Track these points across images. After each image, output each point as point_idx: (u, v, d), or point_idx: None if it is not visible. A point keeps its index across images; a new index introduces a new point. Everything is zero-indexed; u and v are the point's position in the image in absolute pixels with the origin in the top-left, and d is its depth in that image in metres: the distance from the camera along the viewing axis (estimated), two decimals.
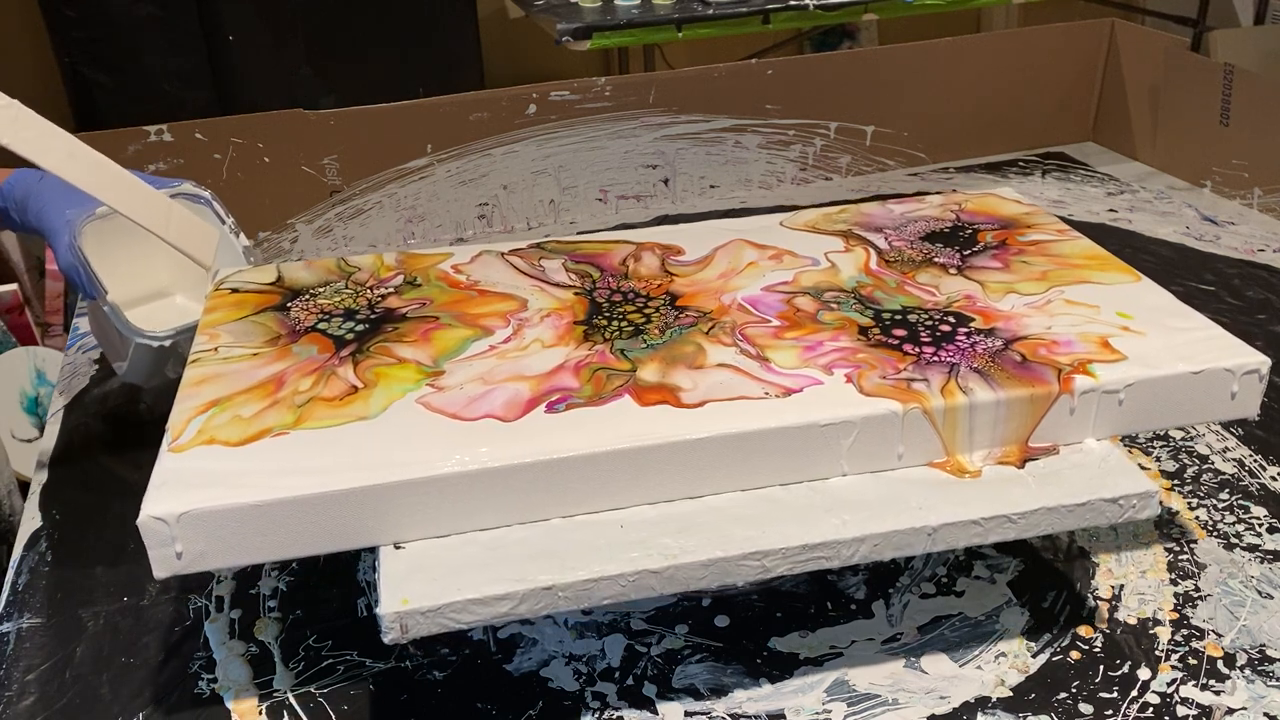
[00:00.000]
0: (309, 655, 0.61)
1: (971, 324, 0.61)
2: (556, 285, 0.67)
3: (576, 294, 0.65)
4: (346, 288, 0.66)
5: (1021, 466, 0.56)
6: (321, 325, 0.62)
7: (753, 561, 0.51)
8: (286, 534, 0.50)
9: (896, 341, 0.60)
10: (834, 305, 0.64)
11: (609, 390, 0.56)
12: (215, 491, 0.50)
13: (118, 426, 0.83)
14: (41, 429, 1.13)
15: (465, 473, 0.51)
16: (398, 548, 0.52)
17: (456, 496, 0.51)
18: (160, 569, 0.50)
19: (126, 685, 0.59)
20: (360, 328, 0.62)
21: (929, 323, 0.62)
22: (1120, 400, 0.57)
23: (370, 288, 0.66)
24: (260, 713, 0.57)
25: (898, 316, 0.62)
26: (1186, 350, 0.58)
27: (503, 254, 0.71)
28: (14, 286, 1.55)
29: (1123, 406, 0.57)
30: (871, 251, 0.70)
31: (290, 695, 0.58)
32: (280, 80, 1.72)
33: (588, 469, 0.52)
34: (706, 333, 0.61)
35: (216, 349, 0.60)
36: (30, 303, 1.59)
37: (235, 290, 0.67)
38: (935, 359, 0.58)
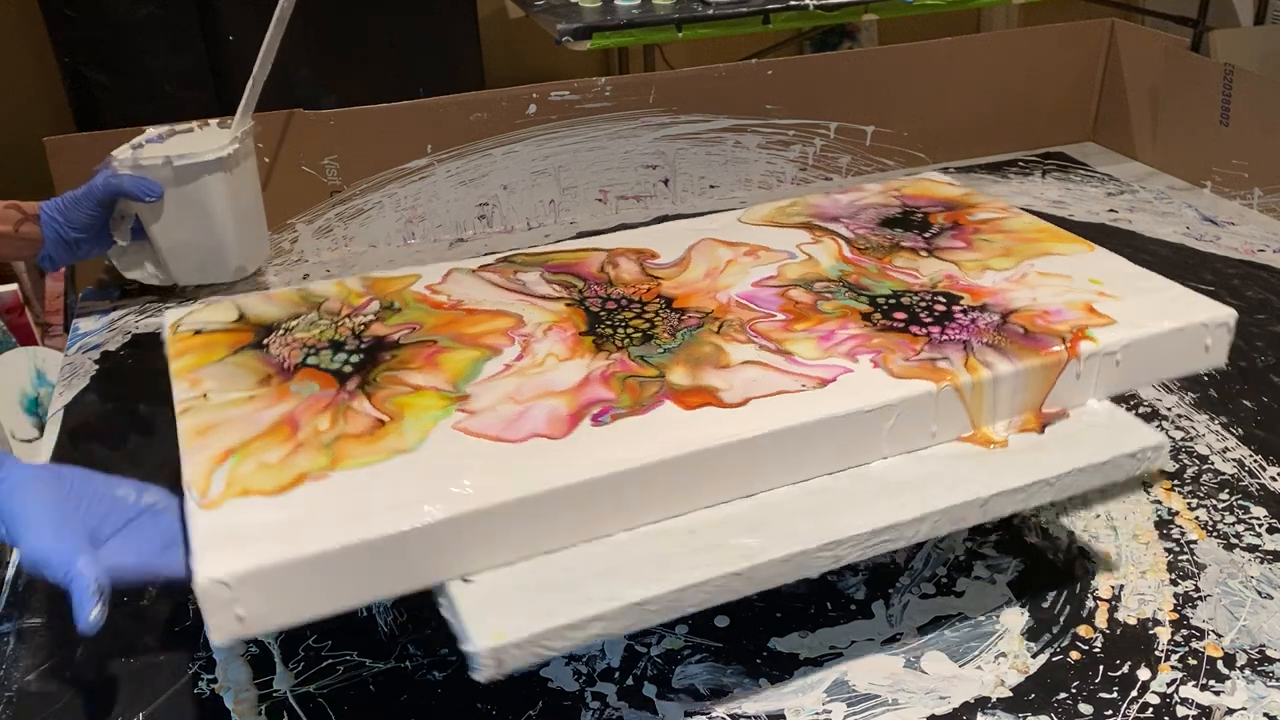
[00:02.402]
0: (309, 655, 0.61)
1: (963, 302, 0.64)
2: (543, 298, 0.65)
3: (568, 305, 0.64)
4: (320, 318, 0.63)
5: (1041, 432, 0.58)
6: (311, 360, 0.59)
7: (826, 553, 0.52)
8: (352, 582, 0.47)
9: (902, 324, 0.61)
10: (828, 295, 0.65)
11: (648, 397, 0.55)
12: (273, 545, 0.45)
13: (118, 426, 0.83)
14: (41, 429, 1.13)
15: (534, 495, 0.49)
16: (466, 581, 0.49)
17: (525, 520, 0.49)
18: (219, 635, 0.45)
19: (126, 685, 0.59)
20: (355, 359, 0.59)
21: (924, 304, 0.64)
22: (1117, 361, 0.60)
23: (347, 316, 0.63)
24: (260, 713, 0.57)
25: (892, 300, 0.64)
26: (1162, 309, 0.62)
27: (473, 270, 0.69)
28: (14, 286, 1.55)
29: (1119, 367, 0.60)
30: (840, 241, 0.72)
31: (290, 695, 0.58)
32: (280, 80, 1.71)
33: (652, 477, 0.51)
34: (717, 332, 0.61)
35: (205, 395, 0.56)
36: (30, 303, 1.59)
37: (199, 331, 0.62)
38: (946, 338, 0.60)
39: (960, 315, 0.62)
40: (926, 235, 0.72)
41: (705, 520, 0.53)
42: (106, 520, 0.57)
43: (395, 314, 0.64)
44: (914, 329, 0.61)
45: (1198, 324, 0.61)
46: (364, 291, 0.67)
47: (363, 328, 0.62)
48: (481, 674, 0.46)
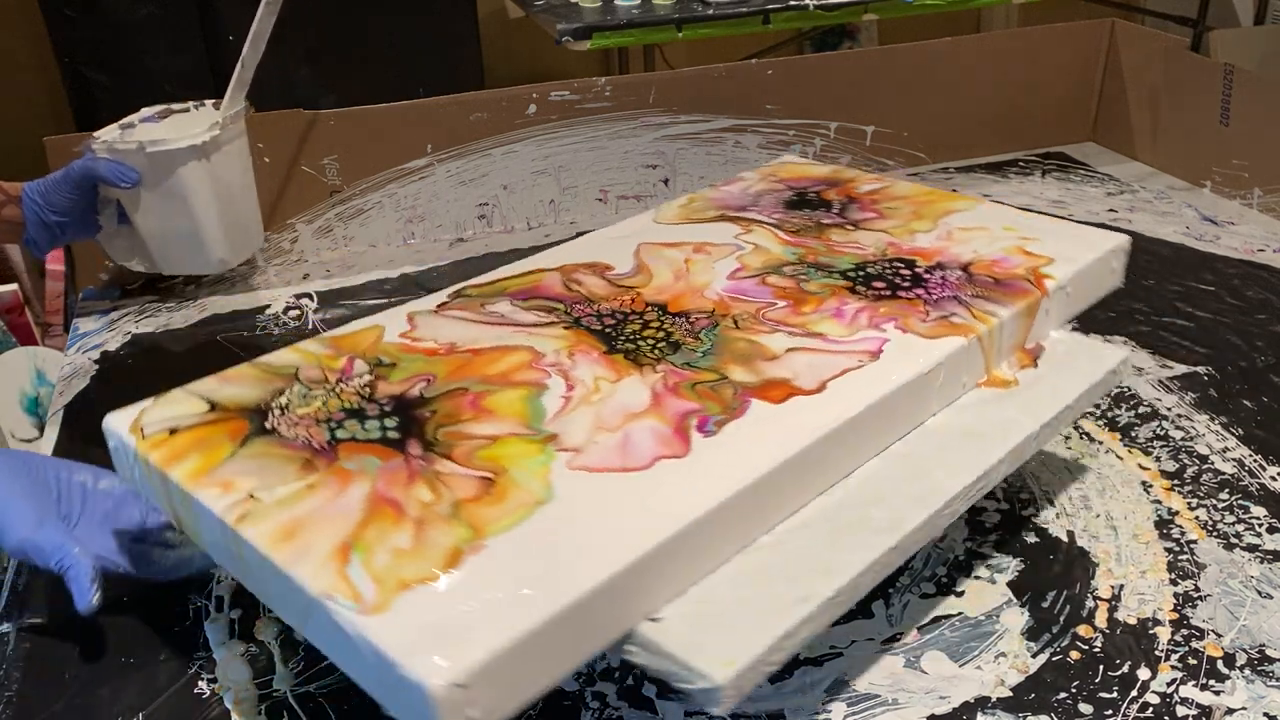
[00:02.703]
0: (309, 655, 0.61)
1: (919, 265, 0.67)
2: (534, 326, 0.62)
3: (566, 328, 0.62)
4: (310, 390, 0.56)
5: (1036, 365, 0.64)
6: (342, 434, 0.52)
7: (948, 510, 0.54)
8: (561, 648, 0.43)
9: (889, 291, 0.64)
10: (804, 277, 0.66)
11: (732, 400, 0.55)
12: (487, 631, 0.41)
13: None
14: (41, 429, 1.13)
15: (707, 514, 0.47)
16: (655, 620, 0.46)
17: (699, 543, 0.47)
18: None
19: (126, 685, 0.59)
20: (391, 422, 0.53)
21: (890, 271, 0.67)
22: (1068, 292, 0.66)
23: (340, 382, 0.56)
24: (260, 713, 0.57)
25: (861, 272, 0.67)
26: (1078, 244, 0.69)
27: (436, 311, 0.64)
28: (14, 286, 1.55)
29: (1069, 297, 0.67)
30: (768, 228, 0.73)
31: (290, 695, 0.58)
32: (280, 80, 1.72)
33: (789, 473, 0.51)
34: (736, 327, 0.61)
35: (252, 496, 0.48)
36: (30, 303, 1.59)
37: (174, 430, 0.53)
38: (938, 296, 0.64)
39: (929, 276, 0.66)
40: (836, 211, 0.76)
41: (822, 508, 0.53)
42: (73, 505, 0.61)
43: (394, 369, 0.58)
44: (902, 294, 0.64)
45: (1109, 251, 0.69)
46: (334, 353, 0.59)
47: (368, 390, 0.56)
48: (723, 707, 0.43)
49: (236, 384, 0.57)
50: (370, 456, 0.51)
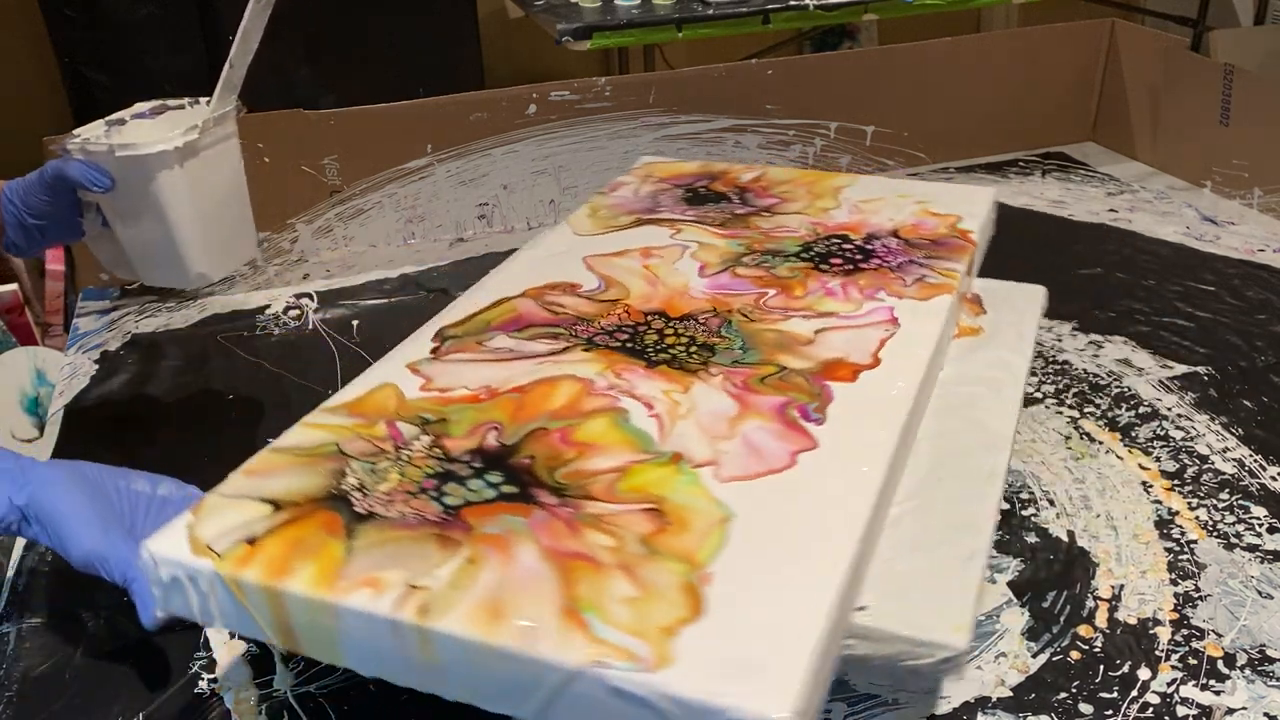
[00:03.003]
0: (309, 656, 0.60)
1: (855, 238, 0.72)
2: (551, 355, 0.60)
3: (586, 350, 0.60)
4: (375, 464, 0.50)
5: (985, 312, 0.71)
6: (453, 502, 0.48)
7: (1013, 450, 0.61)
8: (832, 653, 0.42)
9: (851, 265, 0.68)
10: (767, 264, 0.68)
11: (810, 385, 0.56)
12: (786, 653, 0.39)
13: (118, 426, 0.83)
14: (41, 429, 1.13)
15: (879, 493, 0.49)
16: (861, 609, 0.46)
17: (874, 526, 0.48)
18: None
19: (126, 685, 0.59)
20: (496, 477, 0.49)
21: (836, 248, 0.71)
22: (978, 244, 0.73)
23: (401, 448, 0.51)
24: (260, 713, 0.57)
25: (813, 252, 0.70)
26: (965, 203, 0.77)
27: (434, 357, 0.60)
28: (14, 286, 1.55)
29: (979, 248, 0.73)
30: (696, 225, 0.74)
31: (290, 695, 0.58)
32: (280, 80, 1.72)
33: (905, 442, 0.54)
34: (751, 320, 0.62)
35: (415, 586, 0.43)
36: (30, 303, 1.59)
37: (253, 540, 0.46)
38: (897, 263, 0.69)
39: (872, 247, 0.71)
40: (739, 201, 0.78)
41: (919, 470, 0.57)
42: (135, 514, 0.58)
43: (448, 424, 0.53)
44: (864, 266, 0.68)
45: (990, 205, 0.77)
46: (363, 420, 0.54)
47: (439, 451, 0.51)
48: (957, 664, 0.45)
49: (280, 475, 0.50)
50: (504, 516, 0.47)
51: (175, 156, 0.75)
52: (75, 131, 0.78)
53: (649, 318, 0.63)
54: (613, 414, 0.54)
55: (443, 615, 0.41)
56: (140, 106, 0.84)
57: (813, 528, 0.46)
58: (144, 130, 0.80)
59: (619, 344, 0.60)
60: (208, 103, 0.82)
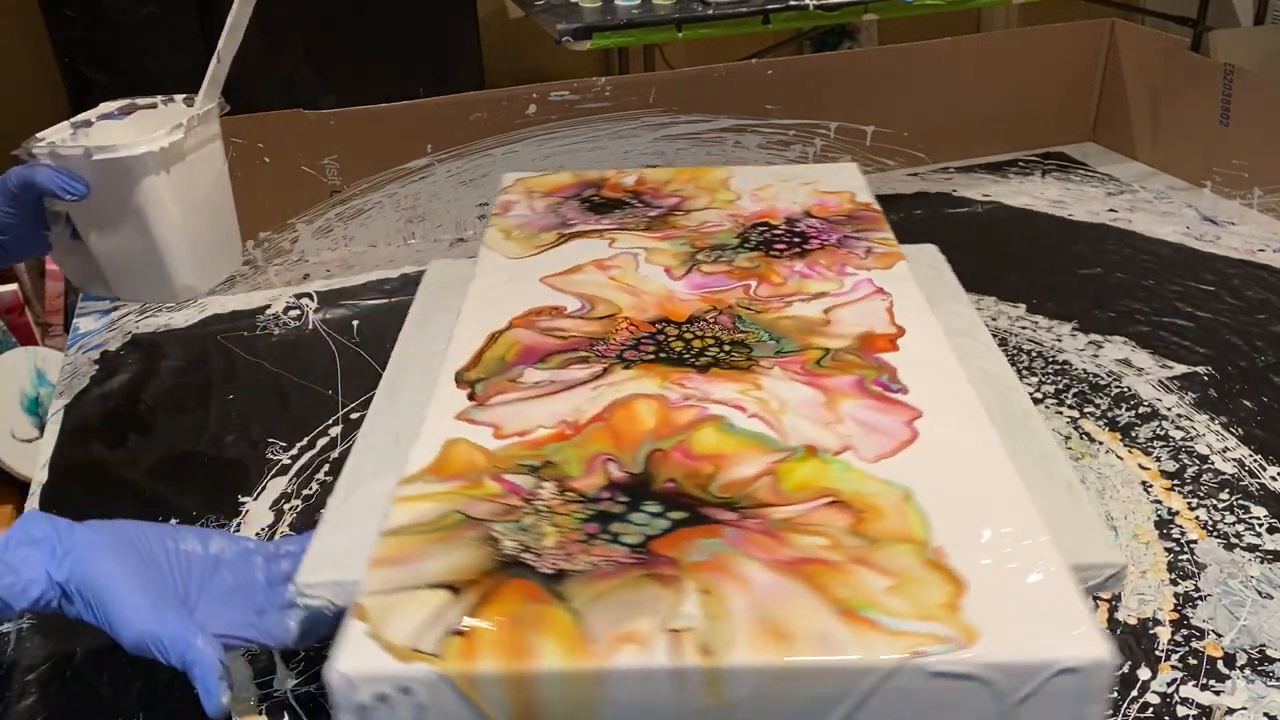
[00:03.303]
0: (309, 655, 0.60)
1: (778, 224, 0.74)
2: (600, 380, 0.57)
3: (626, 368, 0.58)
4: (521, 518, 0.47)
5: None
6: (627, 540, 0.45)
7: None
8: None
9: (796, 249, 0.70)
10: (724, 260, 0.69)
11: (865, 361, 0.58)
12: (1072, 609, 0.41)
13: (118, 426, 0.83)
14: (41, 429, 1.13)
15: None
16: None
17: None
18: None
19: (126, 685, 0.59)
20: (654, 507, 0.47)
21: (770, 235, 0.72)
22: (877, 210, 0.76)
23: (529, 501, 0.48)
24: (260, 712, 0.57)
25: (753, 239, 0.71)
26: (837, 176, 0.81)
27: (479, 404, 0.56)
28: (14, 286, 1.55)
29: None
30: (624, 231, 0.74)
31: (290, 695, 0.58)
32: (280, 80, 1.72)
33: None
34: (757, 313, 0.63)
35: (673, 630, 0.40)
36: (30, 303, 1.59)
37: (460, 631, 0.41)
38: (837, 239, 0.71)
39: (800, 229, 0.73)
40: (644, 204, 0.78)
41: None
42: (188, 582, 0.52)
43: (556, 466, 0.50)
44: (807, 247, 0.70)
45: (854, 175, 0.82)
46: (463, 480, 0.49)
47: (573, 494, 0.48)
48: (1120, 578, 0.47)
49: (426, 558, 0.44)
50: (698, 541, 0.45)
51: (160, 159, 0.69)
52: (39, 135, 0.70)
53: (659, 326, 0.62)
54: (713, 422, 0.53)
55: (727, 650, 0.39)
56: (107, 106, 0.77)
57: (981, 485, 0.48)
58: (115, 132, 0.74)
59: (653, 356, 0.59)
60: (184, 101, 0.77)
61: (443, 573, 0.43)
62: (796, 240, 0.71)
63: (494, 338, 0.61)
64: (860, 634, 0.40)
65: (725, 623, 0.40)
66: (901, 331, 0.60)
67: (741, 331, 0.61)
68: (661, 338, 0.61)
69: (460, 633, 0.40)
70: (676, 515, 0.46)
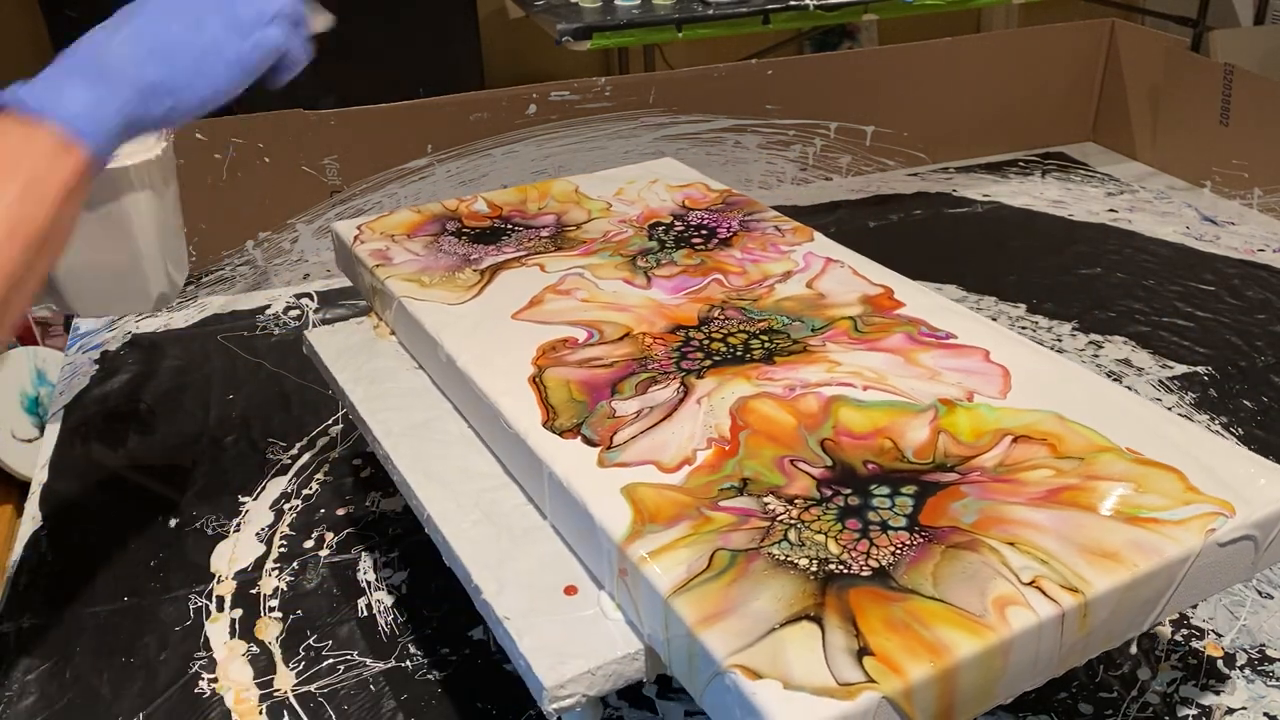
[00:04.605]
0: (309, 655, 0.61)
1: (687, 216, 0.76)
2: (688, 397, 0.55)
3: (698, 378, 0.57)
4: (790, 544, 0.45)
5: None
6: (894, 524, 0.46)
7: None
8: None
9: (714, 240, 0.72)
10: (660, 261, 0.69)
11: (893, 320, 0.61)
12: None
13: (118, 426, 0.83)
14: (41, 429, 1.13)
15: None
16: None
17: None
18: None
19: (126, 685, 0.59)
20: (883, 489, 0.48)
21: (676, 231, 0.74)
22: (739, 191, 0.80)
23: (773, 520, 0.47)
24: (260, 712, 0.57)
25: (669, 239, 0.72)
26: (673, 171, 0.84)
27: (613, 446, 0.52)
28: None
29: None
30: (542, 255, 0.71)
31: (290, 695, 0.58)
32: None
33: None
34: (756, 301, 0.64)
35: (1033, 581, 0.42)
36: None
37: (863, 651, 0.40)
38: (745, 223, 0.74)
39: (695, 221, 0.75)
40: (540, 227, 0.75)
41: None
42: None
43: (759, 478, 0.49)
44: (721, 236, 0.72)
45: (686, 167, 0.86)
46: (687, 521, 0.47)
47: (805, 500, 0.48)
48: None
49: (752, 599, 0.43)
50: (949, 506, 0.46)
51: (150, 169, 0.66)
52: None
53: (684, 334, 0.61)
54: (838, 403, 0.54)
55: (1090, 583, 0.42)
56: None
57: (1090, 394, 0.53)
58: None
59: (711, 363, 0.58)
60: None
61: (784, 607, 0.42)
62: (705, 233, 0.73)
63: (537, 383, 0.57)
64: (1162, 533, 0.44)
65: (1061, 562, 0.43)
66: (889, 289, 0.64)
67: (760, 320, 0.61)
68: (697, 347, 0.59)
69: (865, 653, 0.40)
70: (909, 490, 0.48)
